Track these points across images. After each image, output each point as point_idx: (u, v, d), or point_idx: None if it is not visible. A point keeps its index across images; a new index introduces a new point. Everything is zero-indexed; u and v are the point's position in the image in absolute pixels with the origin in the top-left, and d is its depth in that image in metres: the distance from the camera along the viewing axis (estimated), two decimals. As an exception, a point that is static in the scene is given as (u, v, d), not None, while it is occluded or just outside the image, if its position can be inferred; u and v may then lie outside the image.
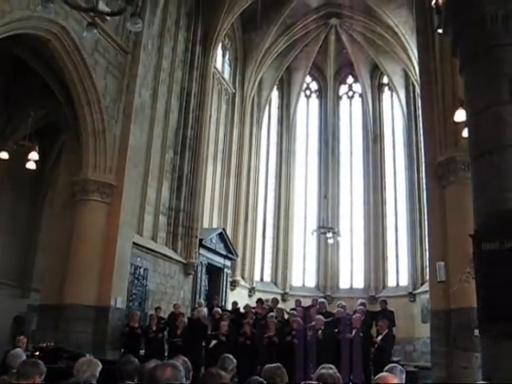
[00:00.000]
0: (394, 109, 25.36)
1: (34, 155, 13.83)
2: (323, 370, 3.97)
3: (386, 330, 11.05)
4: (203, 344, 11.99)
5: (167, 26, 17.77)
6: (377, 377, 3.91)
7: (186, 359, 3.67)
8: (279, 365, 4.41)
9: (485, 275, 5.47)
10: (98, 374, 4.28)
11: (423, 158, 13.89)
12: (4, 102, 15.47)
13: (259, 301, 14.96)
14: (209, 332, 12.36)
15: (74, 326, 12.05)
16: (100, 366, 4.37)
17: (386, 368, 4.30)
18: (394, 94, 24.76)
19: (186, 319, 13.09)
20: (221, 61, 22.38)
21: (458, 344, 10.48)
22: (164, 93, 17.67)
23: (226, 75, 22.90)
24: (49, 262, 13.87)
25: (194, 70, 19.17)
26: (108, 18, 10.91)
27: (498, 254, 5.31)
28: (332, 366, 4.12)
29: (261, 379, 4.02)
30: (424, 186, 15.78)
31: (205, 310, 13.30)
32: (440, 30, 6.61)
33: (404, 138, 23.94)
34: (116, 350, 12.48)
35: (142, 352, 12.09)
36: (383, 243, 23.87)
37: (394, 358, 11.91)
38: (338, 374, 3.98)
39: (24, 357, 5.38)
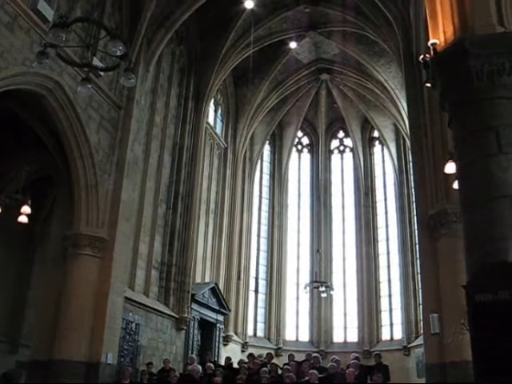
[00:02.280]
0: (385, 162, 25.68)
1: (26, 209, 13.79)
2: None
3: (381, 385, 10.87)
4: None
5: (160, 81, 18.09)
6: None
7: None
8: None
9: (479, 327, 5.44)
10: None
11: (415, 210, 13.96)
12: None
13: (250, 355, 14.78)
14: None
15: (63, 382, 11.79)
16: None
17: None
18: (384, 147, 25.11)
19: (177, 374, 12.86)
20: (213, 116, 22.69)
21: None
22: (156, 147, 17.83)
23: (218, 130, 23.17)
24: (39, 316, 13.70)
25: (186, 124, 19.42)
26: (102, 73, 11.12)
27: (492, 306, 5.30)
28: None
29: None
30: (416, 239, 15.85)
31: (199, 367, 13.08)
32: (428, 84, 6.77)
33: (395, 191, 24.16)
34: (106, 407, 12.21)
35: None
36: (376, 296, 23.77)
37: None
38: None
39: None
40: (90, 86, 7.89)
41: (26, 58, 10.72)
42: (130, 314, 14.87)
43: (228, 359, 15.24)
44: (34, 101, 12.16)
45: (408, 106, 14.28)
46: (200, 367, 13.16)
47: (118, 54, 7.07)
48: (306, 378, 11.55)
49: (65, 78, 11.95)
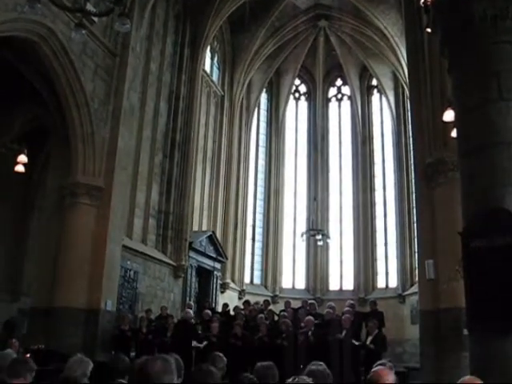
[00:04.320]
0: (383, 111, 25.48)
1: (22, 158, 13.71)
2: (313, 367, 3.97)
3: (376, 331, 11.05)
4: (194, 344, 11.98)
5: (155, 28, 17.77)
6: (372, 371, 3.92)
7: (177, 357, 3.66)
8: (271, 363, 4.40)
9: (473, 273, 5.50)
10: (89, 373, 4.26)
11: (412, 159, 13.94)
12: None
13: (246, 302, 15.05)
14: (199, 332, 12.41)
15: (64, 329, 12.01)
16: (91, 365, 4.35)
17: (375, 366, 4.30)
18: (382, 96, 24.88)
19: (175, 320, 13.12)
20: (209, 63, 22.39)
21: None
22: (152, 96, 17.65)
23: (215, 78, 22.91)
24: (38, 265, 13.83)
25: (182, 72, 19.17)
26: (96, 19, 10.93)
27: (487, 252, 5.34)
28: (322, 363, 4.12)
29: (251, 376, 4.02)
30: (413, 188, 15.86)
31: (191, 312, 13.31)
32: (429, 30, 6.66)
33: (393, 139, 24.06)
34: (106, 352, 12.42)
35: (132, 355, 12.05)
36: (372, 245, 23.96)
37: (384, 360, 11.89)
38: (328, 371, 3.99)
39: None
40: (83, 31, 7.73)
41: (17, 3, 10.44)
42: (129, 262, 15.01)
43: (225, 306, 15.49)
44: (28, 49, 11.95)
45: (407, 52, 14.06)
46: (192, 313, 13.40)
47: (112, -2, 6.92)
48: (303, 325, 11.77)
49: (58, 25, 11.69)
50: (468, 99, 5.85)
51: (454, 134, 7.21)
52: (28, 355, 8.04)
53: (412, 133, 13.42)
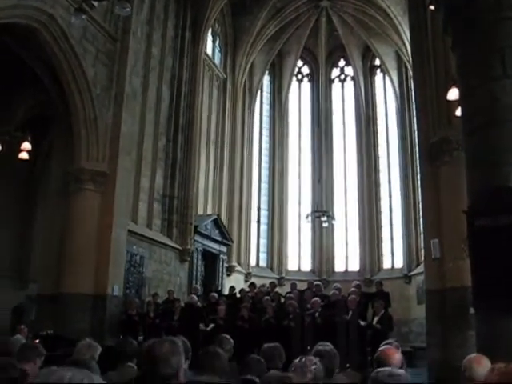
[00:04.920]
0: (386, 91, 25.34)
1: (26, 145, 13.73)
2: (320, 347, 3.99)
3: (383, 311, 11.10)
4: (201, 327, 12.05)
5: (156, 12, 17.63)
6: (379, 350, 3.94)
7: (184, 339, 3.68)
8: (277, 344, 4.43)
9: (478, 251, 5.50)
10: (97, 357, 4.29)
11: (416, 139, 13.86)
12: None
13: (252, 285, 15.11)
14: (207, 316, 12.48)
15: (72, 314, 12.07)
16: (99, 349, 4.39)
17: (381, 345, 4.32)
18: (386, 76, 24.72)
19: (182, 304, 13.20)
20: (211, 46, 22.28)
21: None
22: (154, 80, 17.58)
23: (217, 61, 22.80)
24: (45, 252, 13.86)
25: (184, 56, 19.07)
26: (95, 3, 10.80)
27: (491, 230, 5.34)
28: (329, 343, 4.14)
29: (259, 357, 4.04)
30: (418, 168, 15.81)
31: (195, 297, 13.38)
32: (432, 7, 6.59)
33: (397, 119, 23.95)
34: (114, 337, 12.50)
35: (140, 339, 12.13)
36: (378, 226, 23.97)
37: (390, 340, 11.94)
38: (334, 351, 4.01)
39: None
40: (83, 16, 7.71)
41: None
42: (134, 246, 15.06)
43: (232, 289, 15.56)
44: (29, 35, 11.88)
45: (410, 31, 13.91)
46: (196, 298, 13.46)
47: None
48: (309, 306, 11.82)
49: (57, 10, 11.62)
50: (472, 77, 5.80)
51: (458, 112, 7.16)
52: (37, 341, 8.10)
53: (416, 112, 13.34)
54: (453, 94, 8.53)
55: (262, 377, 3.45)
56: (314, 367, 3.38)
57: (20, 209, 18.00)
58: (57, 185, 13.71)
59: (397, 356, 3.81)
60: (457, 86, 7.06)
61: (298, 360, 3.47)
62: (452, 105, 9.75)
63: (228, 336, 5.13)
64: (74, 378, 1.12)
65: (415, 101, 13.41)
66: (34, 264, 16.96)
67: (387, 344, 4.41)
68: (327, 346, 4.06)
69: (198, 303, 13.17)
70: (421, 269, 17.11)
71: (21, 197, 18.04)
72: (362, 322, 10.98)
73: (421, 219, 13.83)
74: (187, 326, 11.74)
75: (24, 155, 13.83)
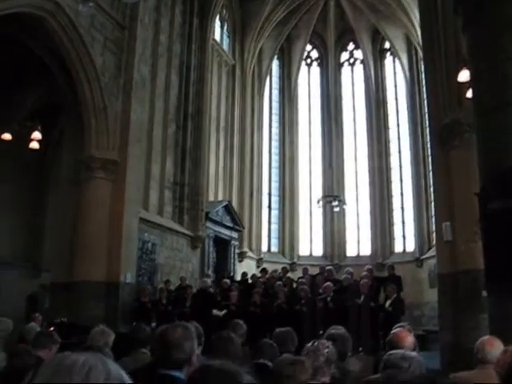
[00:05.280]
0: (396, 74, 25.16)
1: (37, 135, 13.78)
2: (332, 331, 4.01)
3: (395, 295, 11.09)
4: (213, 313, 12.10)
5: (163, -2, 17.59)
6: (391, 333, 3.95)
7: (197, 325, 3.70)
8: (290, 329, 4.44)
9: (491, 234, 5.47)
10: (111, 343, 4.33)
11: (427, 122, 13.76)
12: (3, 85, 15.39)
13: (263, 270, 15.15)
14: (220, 302, 12.54)
15: (85, 302, 12.16)
16: (113, 336, 4.42)
17: (394, 328, 4.32)
18: (396, 59, 24.52)
19: (194, 290, 13.26)
20: (219, 32, 22.18)
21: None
22: (163, 67, 17.56)
23: (225, 46, 22.71)
24: (57, 240, 13.96)
25: (192, 42, 19.01)
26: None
27: (504, 212, 5.30)
28: (341, 327, 4.16)
29: (271, 342, 4.06)
30: (428, 151, 15.70)
31: (208, 281, 13.44)
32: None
33: (407, 102, 23.80)
34: (127, 324, 12.59)
35: (153, 325, 12.20)
36: (389, 210, 23.90)
37: (402, 323, 11.93)
38: (347, 334, 4.02)
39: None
40: (90, 4, 7.69)
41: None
42: (146, 234, 15.13)
43: (244, 274, 15.61)
44: (37, 25, 11.87)
45: (420, 13, 13.77)
46: (209, 281, 13.51)
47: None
48: (321, 291, 11.84)
49: (65, -1, 11.63)
50: (483, 58, 5.74)
51: (469, 94, 7.10)
52: (52, 328, 8.17)
53: (426, 95, 13.25)
54: (463, 75, 8.46)
55: (275, 361, 3.47)
56: (326, 350, 3.39)
57: (31, 198, 18.09)
58: (68, 173, 13.76)
59: (409, 339, 3.82)
60: (467, 68, 6.99)
61: (310, 344, 3.48)
62: (463, 86, 9.65)
63: (241, 321, 5.15)
64: (88, 360, 1.13)
65: (425, 83, 13.31)
66: (47, 253, 17.07)
67: (400, 327, 4.41)
68: (340, 329, 4.08)
69: (211, 288, 13.20)
70: (433, 252, 17.06)
71: (32, 186, 18.12)
72: (372, 304, 10.99)
73: (432, 202, 13.77)
74: (199, 312, 11.80)
75: (34, 144, 13.89)
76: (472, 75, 6.21)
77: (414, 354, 3.12)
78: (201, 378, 1.92)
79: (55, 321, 10.61)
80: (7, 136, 14.48)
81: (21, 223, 17.41)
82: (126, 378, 1.19)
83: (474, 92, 6.06)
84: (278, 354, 3.82)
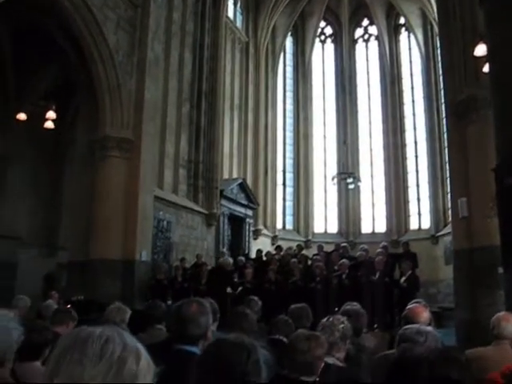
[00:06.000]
0: (411, 50, 24.88)
1: (51, 114, 13.85)
2: (348, 307, 4.02)
3: (410, 272, 11.08)
4: (228, 290, 12.16)
5: (176, -24, 17.45)
6: (407, 308, 3.95)
7: (212, 301, 3.73)
8: (305, 305, 4.46)
9: (507, 209, 5.43)
10: (127, 320, 4.38)
11: (443, 98, 13.62)
12: (15, 66, 15.42)
13: (278, 247, 15.19)
14: (235, 280, 12.58)
15: (101, 280, 12.29)
16: (129, 312, 4.47)
17: (409, 304, 4.32)
18: (411, 34, 24.23)
19: (209, 268, 13.32)
20: (232, 9, 22.03)
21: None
22: (176, 45, 17.49)
23: (239, 24, 22.56)
24: (73, 219, 14.09)
25: (205, 20, 18.88)
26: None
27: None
28: (356, 303, 4.17)
29: (286, 318, 4.08)
30: (444, 127, 15.57)
31: (230, 259, 13.49)
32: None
33: (422, 78, 23.56)
34: (143, 301, 12.71)
35: (169, 303, 12.30)
36: (404, 186, 23.80)
37: (418, 300, 11.93)
38: (362, 310, 4.03)
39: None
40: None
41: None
42: (161, 212, 15.20)
43: (259, 252, 15.65)
44: (49, 4, 11.86)
45: (435, -13, 13.60)
46: (231, 259, 13.57)
47: None
48: (336, 268, 11.86)
49: (77, -23, 11.59)
50: (501, 31, 5.65)
51: (485, 69, 7.00)
52: (69, 306, 8.28)
53: (442, 70, 13.05)
54: (480, 49, 8.33)
55: (290, 336, 3.49)
56: (342, 326, 3.41)
57: (47, 177, 18.18)
58: (83, 152, 13.83)
59: (425, 314, 3.82)
60: (484, 42, 6.89)
61: (325, 319, 3.50)
62: (479, 61, 9.52)
63: (256, 298, 5.18)
64: (105, 332, 1.15)
65: (441, 58, 13.12)
66: (63, 232, 17.22)
67: (415, 303, 4.41)
68: (355, 305, 4.09)
69: (231, 266, 13.24)
70: (448, 229, 16.99)
71: (48, 165, 18.21)
72: (387, 279, 11.01)
73: (448, 179, 13.65)
74: (215, 289, 11.86)
75: (49, 124, 13.96)
76: (489, 49, 6.12)
77: (429, 328, 3.12)
78: (216, 351, 1.94)
79: (72, 299, 10.73)
80: (22, 116, 14.57)
81: (37, 203, 17.52)
82: (143, 350, 1.21)
83: (490, 66, 5.98)
84: (294, 330, 3.85)
